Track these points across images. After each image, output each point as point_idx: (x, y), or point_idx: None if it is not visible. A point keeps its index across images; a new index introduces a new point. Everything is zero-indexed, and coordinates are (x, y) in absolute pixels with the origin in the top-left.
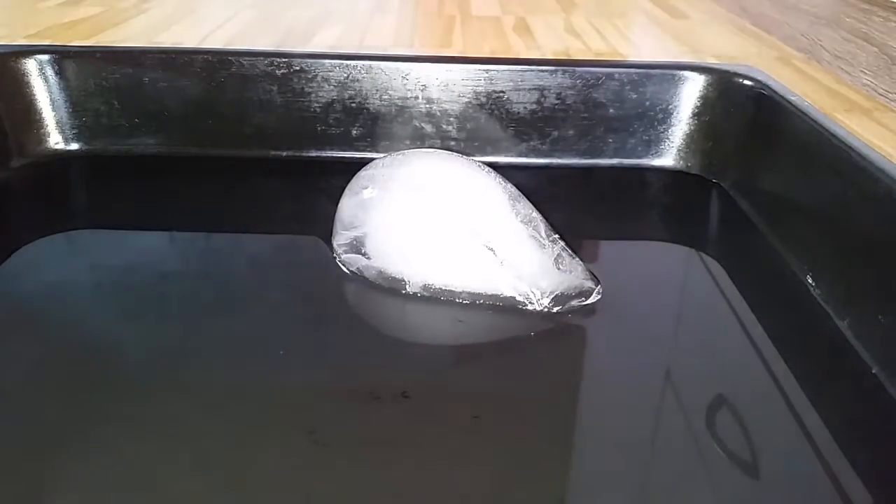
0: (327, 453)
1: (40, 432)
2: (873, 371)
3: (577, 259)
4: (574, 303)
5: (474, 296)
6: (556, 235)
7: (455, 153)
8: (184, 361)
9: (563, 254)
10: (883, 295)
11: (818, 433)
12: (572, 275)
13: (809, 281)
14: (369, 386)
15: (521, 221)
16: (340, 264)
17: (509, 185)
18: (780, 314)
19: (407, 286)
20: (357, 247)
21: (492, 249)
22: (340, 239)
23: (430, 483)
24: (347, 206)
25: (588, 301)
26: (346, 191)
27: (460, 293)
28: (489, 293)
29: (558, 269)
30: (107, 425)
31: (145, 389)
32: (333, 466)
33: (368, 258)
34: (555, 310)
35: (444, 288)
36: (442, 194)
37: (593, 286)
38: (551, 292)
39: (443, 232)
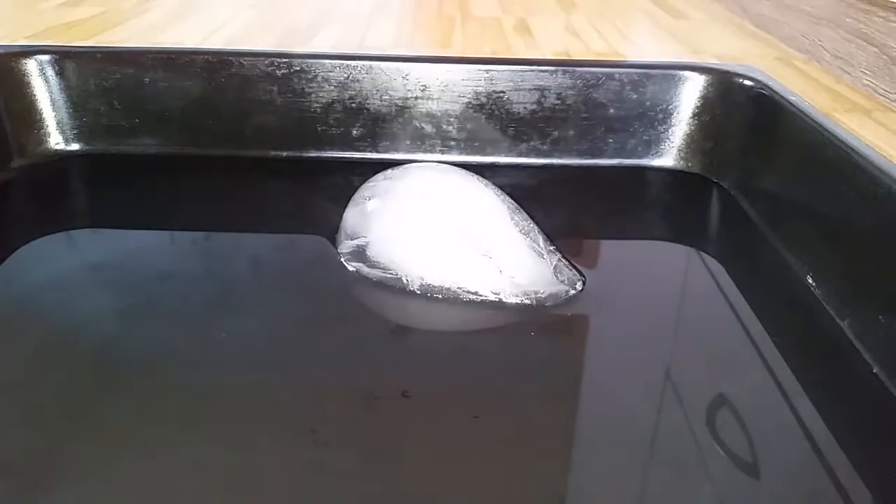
0: (327, 453)
1: (40, 432)
2: (874, 371)
3: (575, 270)
4: (570, 306)
5: (475, 302)
6: (553, 247)
7: (456, 167)
8: (184, 361)
9: (560, 264)
10: (883, 295)
11: (818, 433)
12: (571, 285)
13: (810, 281)
14: (369, 386)
15: (520, 232)
16: (344, 263)
17: (507, 198)
18: (780, 314)
19: (408, 291)
20: (360, 255)
21: (492, 259)
22: (344, 248)
23: (430, 483)
24: (351, 216)
25: (580, 291)
26: (350, 202)
27: (461, 299)
28: (489, 301)
29: (556, 277)
30: (107, 425)
31: (145, 389)
32: (333, 466)
33: (371, 267)
34: (553, 314)
35: (444, 294)
36: (443, 206)
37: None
38: (550, 301)
39: (444, 241)
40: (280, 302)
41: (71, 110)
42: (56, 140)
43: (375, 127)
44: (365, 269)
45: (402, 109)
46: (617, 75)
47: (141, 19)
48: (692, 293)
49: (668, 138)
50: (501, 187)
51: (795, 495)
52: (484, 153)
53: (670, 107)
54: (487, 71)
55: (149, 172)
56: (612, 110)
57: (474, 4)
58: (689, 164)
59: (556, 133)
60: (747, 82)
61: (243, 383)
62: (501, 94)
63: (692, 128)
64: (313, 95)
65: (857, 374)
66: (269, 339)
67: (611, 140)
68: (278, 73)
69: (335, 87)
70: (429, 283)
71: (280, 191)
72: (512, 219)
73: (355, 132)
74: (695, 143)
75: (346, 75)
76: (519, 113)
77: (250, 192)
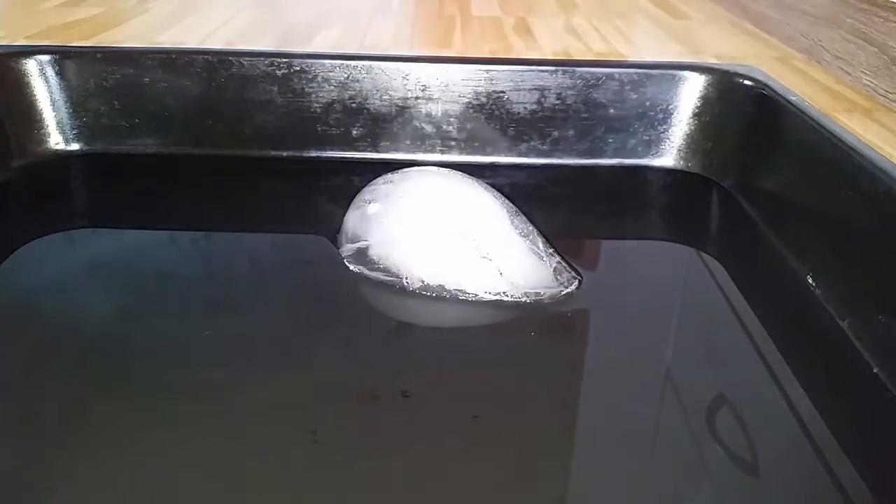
0: (328, 453)
1: (40, 431)
2: (874, 370)
3: (574, 271)
4: (569, 307)
5: (475, 303)
6: (553, 249)
7: (456, 171)
8: (183, 361)
9: (560, 266)
10: (883, 295)
11: (818, 433)
12: (571, 286)
13: (810, 281)
14: (369, 386)
15: (520, 235)
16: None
17: (507, 202)
18: (780, 314)
19: (409, 292)
20: (362, 258)
21: (492, 261)
22: (345, 250)
23: (430, 483)
24: (352, 219)
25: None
26: (351, 205)
27: (461, 300)
28: (489, 302)
29: (556, 279)
30: (106, 424)
31: (145, 389)
32: (334, 466)
33: (372, 269)
34: (553, 314)
35: (445, 296)
36: (443, 209)
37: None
38: (550, 302)
39: (444, 244)
40: (281, 302)
41: (71, 110)
42: (56, 140)
43: (375, 127)
44: (366, 272)
45: (402, 109)
46: (617, 75)
47: (141, 19)
48: (692, 293)
49: (667, 138)
50: (501, 187)
51: (795, 495)
52: (484, 153)
53: (670, 107)
54: (487, 71)
55: (149, 172)
56: (612, 110)
57: (474, 4)
58: (689, 164)
59: (556, 133)
60: (747, 82)
61: (244, 383)
62: (501, 94)
63: (692, 128)
64: (313, 95)
65: (857, 374)
66: (269, 339)
67: (611, 140)
68: (278, 73)
69: (335, 87)
70: (429, 284)
71: (280, 191)
72: (511, 222)
73: (355, 132)
74: (695, 143)
75: (346, 75)
76: (519, 113)
77: (250, 192)
